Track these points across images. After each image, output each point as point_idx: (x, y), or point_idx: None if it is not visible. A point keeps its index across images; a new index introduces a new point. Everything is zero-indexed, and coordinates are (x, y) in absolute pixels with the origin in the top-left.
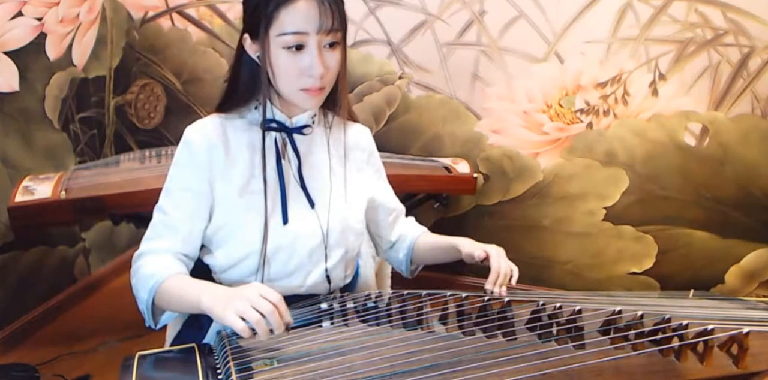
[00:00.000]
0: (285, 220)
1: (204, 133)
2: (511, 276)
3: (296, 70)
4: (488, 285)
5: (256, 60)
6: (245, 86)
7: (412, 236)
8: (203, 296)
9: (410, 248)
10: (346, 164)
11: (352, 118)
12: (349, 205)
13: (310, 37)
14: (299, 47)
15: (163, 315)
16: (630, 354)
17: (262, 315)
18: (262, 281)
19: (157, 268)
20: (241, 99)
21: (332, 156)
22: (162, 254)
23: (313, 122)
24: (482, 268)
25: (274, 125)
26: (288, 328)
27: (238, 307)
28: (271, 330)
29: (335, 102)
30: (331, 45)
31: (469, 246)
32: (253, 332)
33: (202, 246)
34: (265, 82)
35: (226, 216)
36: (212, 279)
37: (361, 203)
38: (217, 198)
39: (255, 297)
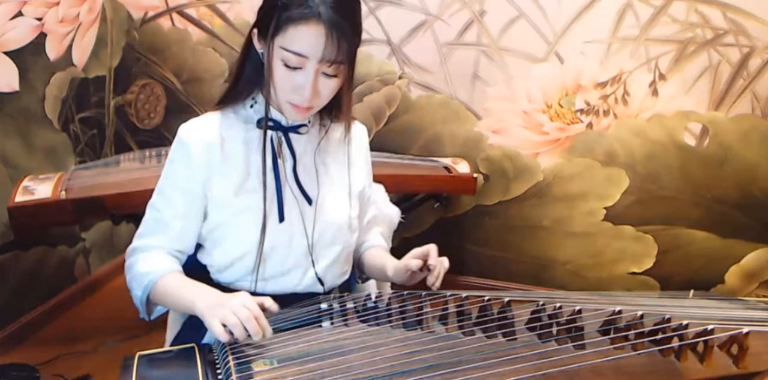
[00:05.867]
0: (281, 219)
1: (200, 132)
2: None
3: (289, 85)
4: (431, 279)
5: (261, 56)
6: (248, 79)
7: (365, 245)
8: (197, 302)
9: (357, 257)
10: (342, 161)
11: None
12: (344, 202)
13: (310, 62)
14: (297, 67)
15: (157, 307)
16: (630, 354)
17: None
18: (256, 281)
19: (151, 266)
20: (242, 91)
21: (328, 154)
22: (155, 251)
23: (309, 121)
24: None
25: (270, 124)
26: (265, 337)
27: (221, 314)
28: (250, 336)
29: (332, 110)
30: (331, 75)
31: (398, 262)
32: (232, 335)
33: (199, 245)
34: (268, 78)
35: (222, 215)
36: (209, 279)
37: (356, 200)
38: (213, 197)
39: (237, 305)
